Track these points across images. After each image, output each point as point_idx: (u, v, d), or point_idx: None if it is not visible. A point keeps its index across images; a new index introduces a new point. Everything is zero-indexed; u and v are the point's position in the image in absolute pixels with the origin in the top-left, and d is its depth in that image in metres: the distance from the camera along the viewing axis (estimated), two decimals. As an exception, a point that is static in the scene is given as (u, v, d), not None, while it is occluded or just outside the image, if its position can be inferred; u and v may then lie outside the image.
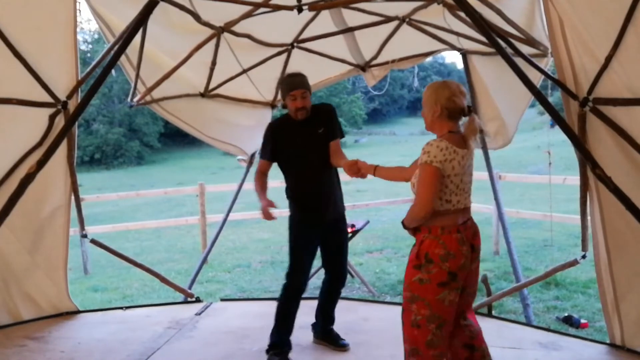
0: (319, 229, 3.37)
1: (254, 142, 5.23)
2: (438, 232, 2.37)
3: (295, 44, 4.75)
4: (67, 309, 4.25)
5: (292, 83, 3.24)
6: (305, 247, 3.36)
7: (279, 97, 5.31)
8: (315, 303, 3.65)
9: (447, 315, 2.38)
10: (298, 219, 3.37)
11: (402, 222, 2.52)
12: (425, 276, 2.35)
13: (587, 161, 2.97)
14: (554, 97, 8.22)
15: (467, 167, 2.45)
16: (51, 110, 3.72)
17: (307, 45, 4.76)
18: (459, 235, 2.37)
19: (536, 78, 3.73)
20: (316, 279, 5.78)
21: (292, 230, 3.38)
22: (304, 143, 3.30)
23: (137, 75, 4.19)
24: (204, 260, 5.70)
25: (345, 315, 4.14)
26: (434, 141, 2.38)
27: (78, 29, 3.70)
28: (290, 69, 4.92)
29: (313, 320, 3.67)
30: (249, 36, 4.36)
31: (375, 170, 3.02)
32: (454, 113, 2.43)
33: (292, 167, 3.36)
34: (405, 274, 2.45)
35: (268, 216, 3.19)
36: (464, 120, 2.47)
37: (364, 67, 5.11)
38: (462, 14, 3.49)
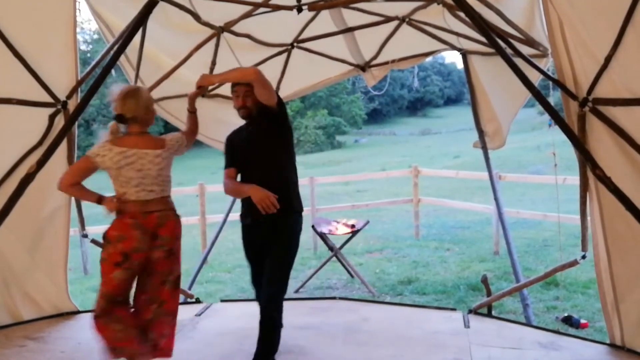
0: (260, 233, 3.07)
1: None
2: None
3: (295, 44, 4.76)
4: (67, 309, 4.25)
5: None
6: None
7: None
8: (314, 303, 3.64)
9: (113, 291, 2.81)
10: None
11: None
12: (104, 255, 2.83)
13: (587, 161, 2.97)
14: (554, 97, 8.21)
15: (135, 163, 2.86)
16: (51, 110, 3.72)
17: (307, 45, 4.76)
18: (130, 221, 2.82)
19: (536, 78, 3.73)
20: (316, 279, 5.79)
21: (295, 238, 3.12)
22: (249, 144, 3.07)
23: (137, 75, 4.19)
24: (204, 261, 5.70)
25: (345, 316, 4.15)
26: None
27: (78, 29, 3.70)
28: (290, 69, 4.94)
29: (312, 320, 3.66)
30: (248, 36, 4.36)
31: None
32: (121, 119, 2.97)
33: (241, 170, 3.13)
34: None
35: (268, 199, 2.82)
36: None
37: (364, 67, 5.11)
38: (462, 14, 3.49)
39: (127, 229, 2.81)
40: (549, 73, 3.39)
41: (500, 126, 4.68)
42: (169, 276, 2.94)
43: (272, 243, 2.99)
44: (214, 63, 4.40)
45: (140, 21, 3.05)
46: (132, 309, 2.93)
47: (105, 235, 2.86)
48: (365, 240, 7.83)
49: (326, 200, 11.36)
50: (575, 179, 3.63)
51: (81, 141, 4.45)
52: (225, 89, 4.96)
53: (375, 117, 50.88)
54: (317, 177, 8.45)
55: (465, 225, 8.90)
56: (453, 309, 4.32)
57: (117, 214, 2.86)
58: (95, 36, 32.28)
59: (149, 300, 2.92)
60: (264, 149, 3.03)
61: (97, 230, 7.26)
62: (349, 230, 5.66)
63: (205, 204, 7.66)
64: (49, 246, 4.08)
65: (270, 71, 4.81)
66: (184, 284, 4.92)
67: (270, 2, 3.50)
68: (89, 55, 30.02)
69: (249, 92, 2.99)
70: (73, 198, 4.07)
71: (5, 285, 3.94)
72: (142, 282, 2.92)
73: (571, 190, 4.70)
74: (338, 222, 5.90)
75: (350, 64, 5.10)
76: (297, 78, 5.11)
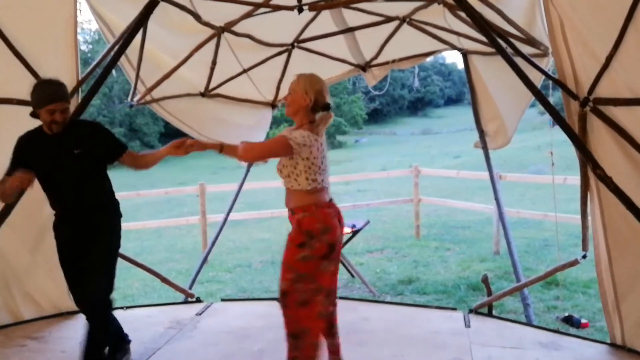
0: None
1: (254, 142, 5.24)
2: (313, 209, 2.61)
3: (295, 44, 4.76)
4: (68, 308, 4.25)
5: (54, 94, 2.88)
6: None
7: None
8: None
9: (328, 284, 2.67)
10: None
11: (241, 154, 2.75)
12: (308, 252, 2.57)
13: (588, 161, 2.97)
14: (555, 97, 8.21)
15: (324, 151, 2.73)
16: (52, 110, 3.71)
17: (307, 45, 4.76)
18: (330, 210, 2.66)
19: (536, 78, 3.73)
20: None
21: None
22: (57, 161, 2.98)
23: (137, 75, 4.19)
24: (205, 260, 5.70)
25: (346, 315, 4.13)
26: (297, 130, 2.64)
27: (78, 29, 3.70)
28: (291, 69, 4.94)
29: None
30: (249, 36, 4.36)
31: (222, 148, 2.89)
32: (319, 106, 2.71)
33: (46, 184, 3.08)
34: (286, 256, 2.65)
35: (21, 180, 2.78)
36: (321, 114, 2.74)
37: (365, 67, 5.11)
38: (463, 14, 3.49)
39: (329, 219, 2.65)
40: (550, 73, 3.39)
41: (503, 125, 4.67)
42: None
43: None
44: (214, 63, 4.40)
45: (140, 21, 3.05)
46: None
47: (308, 231, 2.61)
48: (365, 240, 7.83)
49: (327, 200, 11.34)
50: (576, 179, 3.63)
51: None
52: (226, 89, 4.98)
53: (375, 117, 50.87)
54: (318, 177, 8.44)
55: (465, 225, 8.89)
56: (453, 309, 4.32)
57: (311, 206, 2.63)
58: (96, 36, 32.33)
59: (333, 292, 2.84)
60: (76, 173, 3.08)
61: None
62: (349, 230, 5.66)
63: (206, 204, 7.67)
64: (49, 246, 4.06)
65: (271, 71, 4.84)
66: (184, 284, 4.94)
67: (271, 2, 3.50)
68: (89, 55, 30.05)
69: (66, 109, 2.96)
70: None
71: (5, 285, 3.94)
72: None
73: (572, 189, 4.70)
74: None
75: (351, 64, 5.11)
76: (297, 78, 5.10)
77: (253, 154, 2.86)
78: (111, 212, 3.20)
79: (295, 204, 2.68)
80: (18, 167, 2.92)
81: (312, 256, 2.57)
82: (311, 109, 2.69)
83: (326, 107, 2.72)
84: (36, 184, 2.98)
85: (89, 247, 3.05)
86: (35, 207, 3.85)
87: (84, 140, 3.01)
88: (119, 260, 3.87)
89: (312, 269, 2.58)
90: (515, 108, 4.61)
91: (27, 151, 3.00)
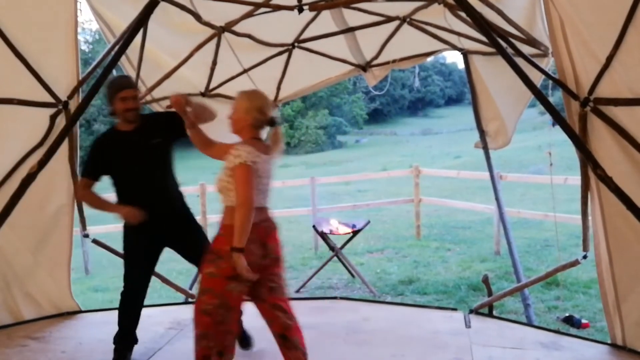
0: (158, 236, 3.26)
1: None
2: (229, 230, 2.53)
3: (296, 44, 4.75)
4: (69, 308, 4.25)
5: (123, 83, 3.14)
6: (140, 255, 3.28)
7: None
8: (315, 303, 3.64)
9: (234, 303, 2.65)
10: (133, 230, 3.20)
11: (234, 248, 2.51)
12: (214, 270, 2.58)
13: (588, 161, 2.96)
14: (555, 97, 8.21)
15: (268, 171, 2.68)
16: (52, 111, 3.72)
17: (308, 45, 4.76)
18: (251, 236, 2.53)
19: (537, 78, 3.73)
20: (316, 279, 5.78)
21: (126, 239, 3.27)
22: (137, 154, 3.13)
23: (138, 75, 4.19)
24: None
25: (346, 315, 4.15)
26: (240, 146, 2.58)
27: (79, 29, 3.71)
28: (291, 69, 4.94)
29: (313, 320, 3.66)
30: (249, 36, 4.36)
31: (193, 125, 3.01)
32: (262, 123, 2.70)
33: (123, 183, 3.19)
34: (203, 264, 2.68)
35: (136, 216, 3.05)
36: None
37: (365, 67, 5.10)
38: (463, 14, 3.48)
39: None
40: (550, 73, 3.39)
41: (503, 125, 4.66)
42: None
43: None
44: (214, 63, 4.40)
45: (141, 21, 3.05)
46: None
47: (217, 249, 2.64)
48: (366, 240, 7.83)
49: (327, 200, 11.35)
50: (576, 179, 3.62)
51: (82, 141, 4.45)
52: (226, 89, 4.97)
53: (376, 117, 50.82)
54: (318, 177, 8.46)
55: (466, 225, 8.89)
56: (454, 309, 4.32)
57: (229, 226, 2.59)
58: (96, 36, 32.30)
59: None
60: (156, 164, 3.27)
61: (98, 230, 7.28)
62: (350, 230, 5.66)
63: (206, 204, 7.67)
64: (50, 246, 4.08)
65: (271, 71, 4.83)
66: (184, 284, 4.93)
67: (271, 2, 3.50)
68: (90, 55, 30.02)
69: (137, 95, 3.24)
70: (73, 197, 4.08)
71: (6, 285, 3.95)
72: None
73: (572, 190, 4.69)
74: (335, 221, 5.90)
75: (351, 64, 5.10)
76: (298, 78, 5.11)
77: (246, 207, 2.53)
78: (185, 201, 3.39)
79: (222, 220, 2.65)
80: (98, 167, 3.12)
81: (218, 274, 2.58)
82: (254, 126, 2.69)
83: (271, 123, 2.72)
84: None
85: (185, 236, 3.25)
86: (37, 207, 3.86)
87: (158, 129, 3.16)
88: (120, 260, 3.87)
89: (217, 286, 2.59)
90: (514, 108, 4.61)
91: (104, 150, 3.15)
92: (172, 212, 3.26)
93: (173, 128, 3.15)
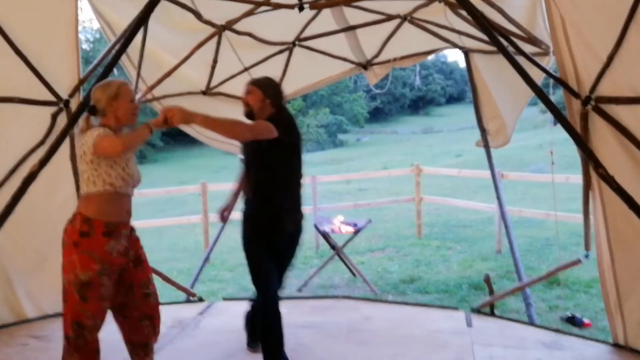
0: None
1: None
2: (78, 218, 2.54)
3: (296, 42, 4.75)
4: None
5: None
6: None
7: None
8: (316, 302, 3.64)
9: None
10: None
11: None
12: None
13: (590, 160, 2.96)
14: (556, 95, 8.19)
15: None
16: (53, 109, 3.73)
17: (308, 43, 4.75)
18: None
19: (538, 77, 3.72)
20: (318, 278, 5.78)
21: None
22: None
23: (138, 74, 4.19)
24: (206, 259, 5.70)
25: (347, 314, 4.15)
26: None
27: (80, 28, 3.71)
28: (292, 68, 4.93)
29: (314, 318, 3.66)
30: (250, 34, 4.35)
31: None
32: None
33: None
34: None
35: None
36: None
37: (366, 65, 5.10)
38: (464, 12, 3.48)
39: None
40: (551, 71, 3.38)
41: (503, 124, 4.66)
42: None
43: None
44: (215, 61, 4.40)
45: (141, 20, 3.04)
46: None
47: None
48: (367, 239, 7.82)
49: (328, 199, 11.35)
50: (578, 178, 3.62)
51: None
52: (227, 87, 4.97)
53: (377, 115, 50.81)
54: (319, 175, 8.45)
55: (467, 224, 8.88)
56: (455, 308, 4.32)
57: None
58: (97, 35, 32.33)
59: None
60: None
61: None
62: (352, 230, 5.66)
63: (208, 203, 7.67)
64: (52, 244, 4.08)
65: (272, 70, 4.82)
66: (185, 283, 4.93)
67: (272, 1, 3.49)
68: (90, 54, 30.07)
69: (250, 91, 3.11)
70: (76, 197, 4.07)
71: (8, 284, 3.95)
72: None
73: (574, 188, 4.68)
74: (339, 219, 5.90)
75: (352, 63, 5.10)
76: (298, 76, 5.10)
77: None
78: None
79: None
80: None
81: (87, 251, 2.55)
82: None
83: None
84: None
85: (292, 240, 3.21)
86: (38, 205, 3.86)
87: None
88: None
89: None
90: (514, 107, 4.60)
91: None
92: (299, 220, 3.22)
93: None
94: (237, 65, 4.59)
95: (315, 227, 5.86)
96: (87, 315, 2.50)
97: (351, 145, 38.53)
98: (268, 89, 3.13)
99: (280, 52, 4.77)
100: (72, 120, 3.44)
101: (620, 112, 2.87)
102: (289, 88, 5.22)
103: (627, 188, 2.76)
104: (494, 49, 3.91)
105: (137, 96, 4.42)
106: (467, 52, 4.70)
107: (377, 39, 4.74)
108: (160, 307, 4.47)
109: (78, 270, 2.45)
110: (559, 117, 2.91)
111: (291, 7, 3.27)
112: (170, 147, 35.75)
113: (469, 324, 3.87)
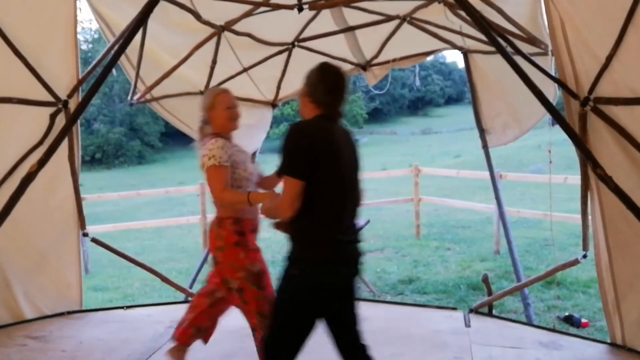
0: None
1: (254, 141, 5.24)
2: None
3: (296, 43, 4.75)
4: (68, 308, 4.25)
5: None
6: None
7: (280, 96, 5.31)
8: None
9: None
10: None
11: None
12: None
13: (588, 161, 2.96)
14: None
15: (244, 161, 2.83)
16: (52, 110, 3.72)
17: (307, 44, 4.76)
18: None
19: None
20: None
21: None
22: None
23: (137, 74, 4.20)
24: (205, 260, 5.69)
25: (346, 315, 4.14)
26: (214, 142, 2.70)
27: (79, 28, 3.71)
28: (291, 68, 4.93)
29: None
30: (249, 35, 4.35)
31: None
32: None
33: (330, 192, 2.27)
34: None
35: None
36: None
37: (365, 66, 5.10)
38: (463, 13, 3.48)
39: None
40: (551, 72, 3.39)
41: (515, 119, 4.63)
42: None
43: None
44: (214, 62, 4.40)
45: (141, 20, 3.04)
46: None
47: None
48: (366, 239, 7.83)
49: (327, 199, 11.34)
50: (576, 178, 3.63)
51: (82, 141, 4.44)
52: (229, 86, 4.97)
53: (376, 116, 50.79)
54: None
55: (466, 225, 8.89)
56: (454, 308, 4.32)
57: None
58: (96, 35, 32.31)
59: None
60: None
61: (98, 229, 7.29)
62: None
63: (206, 203, 7.67)
64: (51, 245, 4.08)
65: (271, 70, 4.83)
66: (184, 283, 4.93)
67: (271, 1, 3.49)
68: (89, 54, 30.05)
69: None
70: (75, 197, 4.08)
71: (6, 284, 3.94)
72: None
73: (572, 189, 4.69)
74: None
75: (351, 63, 5.10)
76: (298, 77, 5.04)
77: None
78: None
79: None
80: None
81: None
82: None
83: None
84: None
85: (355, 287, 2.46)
86: (38, 206, 3.86)
87: None
88: (121, 260, 3.89)
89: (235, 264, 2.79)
90: (527, 99, 4.58)
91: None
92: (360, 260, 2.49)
93: None
94: (236, 65, 4.59)
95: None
96: (267, 302, 2.70)
97: (350, 146, 38.47)
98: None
99: (280, 52, 4.78)
100: (71, 120, 3.44)
101: (619, 113, 2.88)
102: (288, 89, 5.24)
103: (625, 188, 2.77)
104: (493, 49, 3.92)
105: (136, 96, 4.43)
106: (466, 53, 4.71)
107: (376, 40, 4.74)
108: (159, 307, 4.48)
109: (248, 265, 2.70)
110: (558, 118, 2.92)
111: (290, 7, 3.27)
112: (169, 148, 35.72)
113: (468, 324, 3.87)
